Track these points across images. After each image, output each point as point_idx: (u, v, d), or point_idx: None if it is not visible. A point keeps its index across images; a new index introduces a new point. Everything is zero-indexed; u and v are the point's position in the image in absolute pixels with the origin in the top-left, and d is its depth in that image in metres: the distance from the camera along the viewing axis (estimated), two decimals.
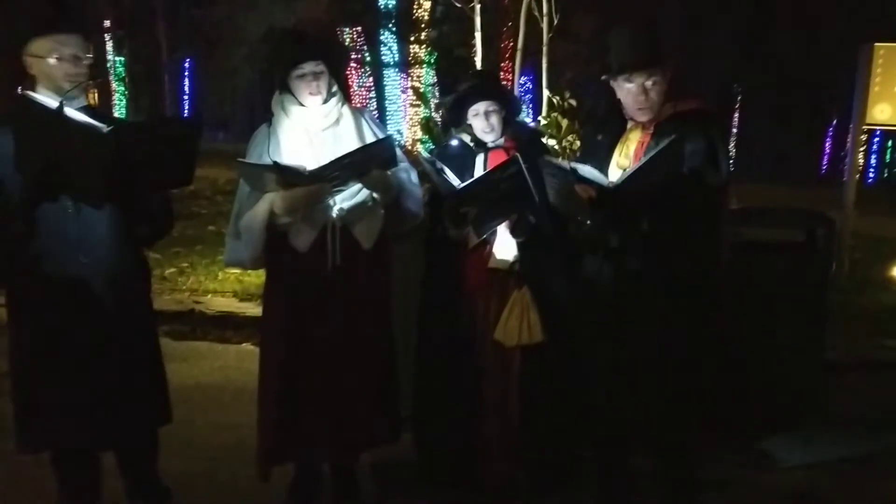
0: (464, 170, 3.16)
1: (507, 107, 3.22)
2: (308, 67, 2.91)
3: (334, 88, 3.02)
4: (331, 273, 2.93)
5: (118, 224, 2.67)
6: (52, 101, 2.48)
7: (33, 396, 2.69)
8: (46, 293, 2.62)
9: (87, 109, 2.66)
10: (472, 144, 3.23)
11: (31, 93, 2.53)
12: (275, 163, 2.81)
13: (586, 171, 2.82)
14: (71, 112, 2.41)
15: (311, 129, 2.98)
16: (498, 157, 3.16)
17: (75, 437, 2.71)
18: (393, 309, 3.14)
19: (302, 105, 2.97)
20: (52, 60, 2.58)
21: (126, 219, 2.66)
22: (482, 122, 3.15)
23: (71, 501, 2.83)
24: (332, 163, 2.82)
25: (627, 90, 2.89)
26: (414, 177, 3.13)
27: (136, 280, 2.80)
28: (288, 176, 2.80)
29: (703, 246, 2.90)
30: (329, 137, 2.98)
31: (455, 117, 3.28)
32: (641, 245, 2.86)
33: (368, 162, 2.86)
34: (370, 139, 3.00)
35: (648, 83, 2.85)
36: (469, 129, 3.23)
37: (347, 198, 2.93)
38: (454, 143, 3.28)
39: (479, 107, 3.15)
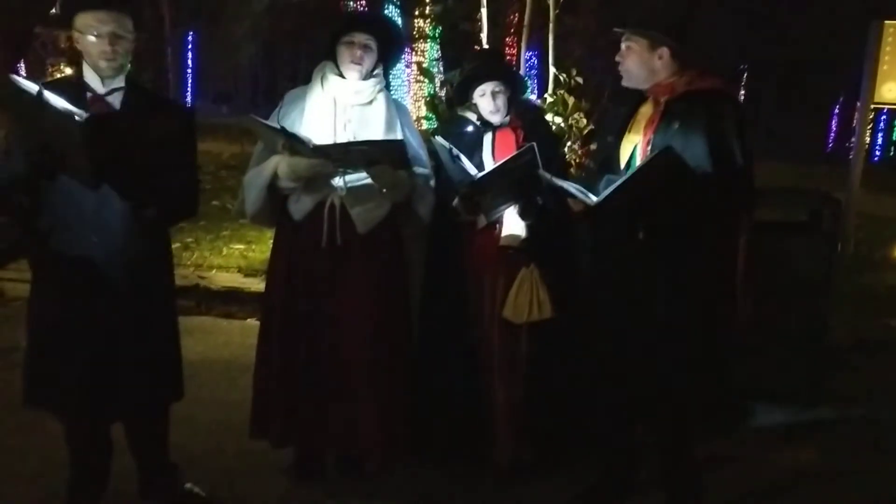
0: (472, 149, 3.16)
1: (513, 86, 3.21)
2: (358, 37, 2.91)
3: (377, 71, 3.01)
4: (323, 250, 2.92)
5: (133, 208, 2.65)
6: (33, 86, 2.39)
7: (42, 358, 2.71)
8: (58, 266, 2.63)
9: (131, 88, 2.66)
10: (478, 124, 3.22)
11: (14, 77, 2.48)
12: (282, 127, 2.80)
13: (571, 186, 2.82)
14: (50, 97, 2.37)
15: (339, 101, 2.96)
16: (505, 137, 3.16)
17: (77, 403, 2.72)
18: (400, 300, 3.13)
19: (341, 77, 2.96)
20: (90, 37, 2.57)
21: (133, 203, 2.62)
22: (489, 102, 3.14)
23: (81, 476, 2.86)
24: (337, 145, 2.82)
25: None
26: (432, 182, 3.12)
27: (152, 259, 2.77)
28: (293, 144, 2.80)
29: (717, 232, 2.84)
30: (356, 115, 2.97)
31: (461, 96, 3.26)
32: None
33: (377, 156, 2.84)
34: (398, 134, 2.99)
35: (624, 45, 2.85)
36: (475, 108, 3.21)
37: (355, 179, 2.92)
38: (459, 127, 3.26)
39: (486, 87, 3.13)
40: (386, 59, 3.06)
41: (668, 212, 2.74)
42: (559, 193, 2.87)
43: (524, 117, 3.25)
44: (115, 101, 2.64)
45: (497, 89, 3.13)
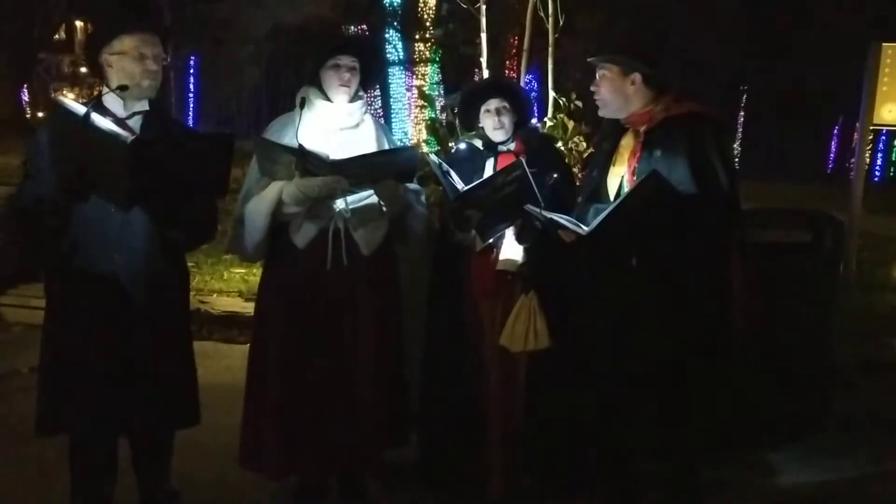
0: (473, 173, 3.15)
1: (520, 110, 3.20)
2: (344, 60, 2.92)
3: (361, 93, 3.03)
4: (329, 275, 2.90)
5: (158, 229, 2.68)
6: (80, 108, 2.49)
7: (57, 384, 2.71)
8: (78, 287, 2.64)
9: (152, 112, 2.71)
10: (482, 149, 3.22)
11: (62, 98, 2.57)
12: (300, 145, 2.78)
13: (561, 218, 2.83)
14: (97, 119, 2.44)
15: (330, 126, 2.96)
16: (508, 160, 3.14)
17: (90, 428, 2.73)
18: (399, 319, 3.13)
19: (327, 100, 2.95)
20: (133, 59, 2.62)
21: (161, 225, 2.67)
22: (493, 119, 3.13)
23: (83, 497, 2.83)
24: (354, 158, 2.81)
25: None
26: (422, 197, 3.13)
27: (170, 283, 2.79)
28: (309, 162, 2.77)
29: (710, 254, 2.86)
30: (347, 138, 2.97)
31: (467, 116, 3.25)
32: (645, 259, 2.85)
33: (388, 167, 2.85)
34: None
35: (598, 72, 2.89)
36: (480, 133, 3.21)
37: (355, 201, 2.91)
38: (463, 146, 3.27)
39: (492, 103, 3.13)
40: (367, 80, 3.07)
41: (660, 236, 2.74)
42: (551, 226, 2.87)
43: (529, 143, 3.22)
44: (136, 124, 2.68)
45: (503, 106, 3.13)
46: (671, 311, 2.82)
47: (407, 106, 13.38)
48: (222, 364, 4.86)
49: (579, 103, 4.54)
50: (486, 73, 5.19)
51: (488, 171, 3.17)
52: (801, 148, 24.85)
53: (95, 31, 2.75)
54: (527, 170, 2.85)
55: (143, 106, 2.70)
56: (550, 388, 3.13)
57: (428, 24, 12.75)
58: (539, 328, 3.02)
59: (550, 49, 4.93)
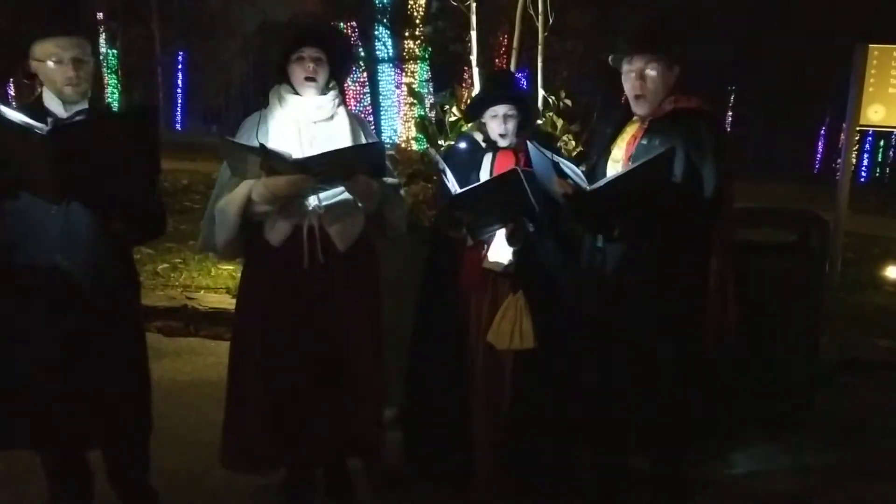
0: (470, 169, 3.14)
1: (526, 113, 3.20)
2: (308, 52, 2.89)
3: (332, 84, 2.99)
4: (305, 272, 2.88)
5: (102, 224, 2.61)
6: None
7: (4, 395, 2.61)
8: (17, 288, 2.55)
9: (88, 111, 2.63)
10: (483, 144, 3.21)
11: None
12: (261, 144, 2.74)
13: (569, 167, 2.82)
14: (8, 112, 2.34)
15: (301, 120, 2.92)
16: (506, 158, 3.14)
17: (37, 438, 2.66)
18: (380, 311, 3.11)
19: (297, 94, 2.92)
20: (51, 64, 2.54)
21: (101, 216, 2.59)
22: (499, 124, 3.12)
23: (60, 501, 2.80)
24: (318, 155, 2.78)
25: (627, 74, 2.89)
26: (401, 190, 3.11)
27: (120, 282, 2.72)
28: (272, 161, 2.73)
29: (686, 250, 2.87)
30: (321, 132, 2.94)
31: (472, 114, 3.26)
32: (625, 248, 2.87)
33: (356, 163, 2.82)
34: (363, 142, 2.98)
35: (648, 70, 2.84)
36: (482, 128, 3.21)
37: (329, 197, 2.89)
38: (462, 143, 3.26)
39: (499, 109, 3.11)
40: (338, 72, 3.03)
41: (647, 215, 2.76)
42: (558, 174, 2.83)
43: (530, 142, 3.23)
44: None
45: (510, 113, 3.11)
46: (648, 305, 2.84)
47: (396, 103, 13.37)
48: (209, 361, 4.84)
49: (569, 102, 4.55)
50: (475, 71, 5.18)
51: (485, 167, 3.15)
52: (788, 148, 25.00)
53: (14, 37, 2.64)
54: (522, 178, 2.85)
55: (83, 106, 2.63)
56: (537, 386, 3.13)
57: (417, 21, 12.75)
58: (524, 328, 3.03)
59: (540, 47, 4.93)
